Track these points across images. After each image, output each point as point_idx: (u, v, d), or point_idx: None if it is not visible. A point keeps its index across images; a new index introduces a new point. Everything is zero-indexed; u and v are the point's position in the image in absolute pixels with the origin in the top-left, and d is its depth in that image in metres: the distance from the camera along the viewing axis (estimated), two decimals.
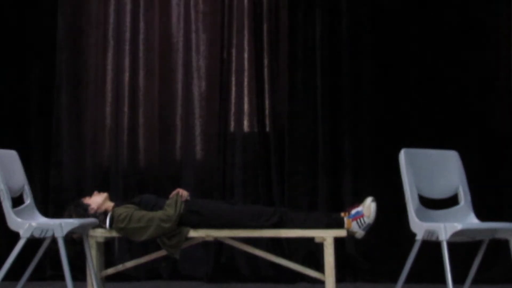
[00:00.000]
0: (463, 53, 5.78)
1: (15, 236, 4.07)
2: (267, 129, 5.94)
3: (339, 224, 4.45)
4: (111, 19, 6.10)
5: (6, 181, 4.08)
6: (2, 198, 4.04)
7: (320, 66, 5.85)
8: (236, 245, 4.70)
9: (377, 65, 5.86)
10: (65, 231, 4.00)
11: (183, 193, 4.73)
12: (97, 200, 4.67)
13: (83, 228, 4.29)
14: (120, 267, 4.88)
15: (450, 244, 3.75)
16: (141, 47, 6.09)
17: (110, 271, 4.80)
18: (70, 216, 4.50)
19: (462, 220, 4.12)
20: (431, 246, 4.22)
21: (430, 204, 4.12)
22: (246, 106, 6.01)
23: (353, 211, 4.46)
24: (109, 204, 4.70)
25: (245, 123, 6.01)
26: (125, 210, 4.56)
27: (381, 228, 5.03)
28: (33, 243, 4.27)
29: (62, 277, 4.14)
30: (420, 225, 3.87)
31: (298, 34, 5.91)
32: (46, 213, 5.09)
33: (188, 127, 6.01)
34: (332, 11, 5.89)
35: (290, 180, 5.83)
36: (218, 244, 5.62)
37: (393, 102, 5.81)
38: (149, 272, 5.76)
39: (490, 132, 5.74)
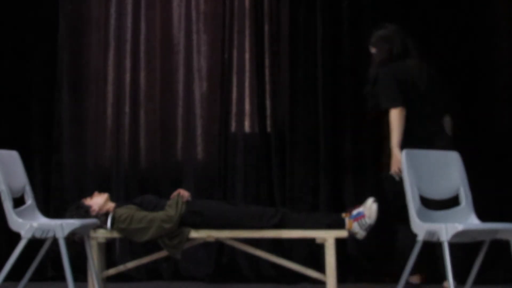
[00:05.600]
0: (463, 53, 5.77)
1: (16, 237, 4.08)
2: (268, 129, 5.93)
3: (340, 225, 4.46)
4: (112, 20, 6.09)
5: (7, 181, 4.09)
6: (3, 199, 4.04)
7: (321, 66, 5.84)
8: (237, 245, 4.70)
9: None
10: (66, 232, 4.00)
11: (184, 193, 4.74)
12: (98, 202, 4.68)
13: (84, 229, 4.29)
14: (121, 268, 4.89)
15: (452, 245, 3.75)
16: (142, 47, 6.08)
17: (111, 271, 4.81)
18: (71, 218, 4.50)
19: (463, 220, 4.11)
20: (432, 247, 4.22)
21: (431, 204, 4.12)
22: (247, 107, 6.01)
23: (354, 212, 4.47)
24: (110, 205, 4.71)
25: (246, 123, 6.01)
26: (126, 211, 4.57)
27: (382, 228, 5.03)
28: (34, 243, 4.28)
29: (63, 278, 4.15)
30: (421, 226, 3.87)
31: (299, 35, 5.91)
32: (47, 213, 5.09)
33: (189, 128, 6.01)
34: (333, 11, 5.88)
35: (291, 181, 5.82)
36: (219, 244, 5.62)
37: None
38: (150, 272, 5.76)
39: (490, 132, 5.73)
